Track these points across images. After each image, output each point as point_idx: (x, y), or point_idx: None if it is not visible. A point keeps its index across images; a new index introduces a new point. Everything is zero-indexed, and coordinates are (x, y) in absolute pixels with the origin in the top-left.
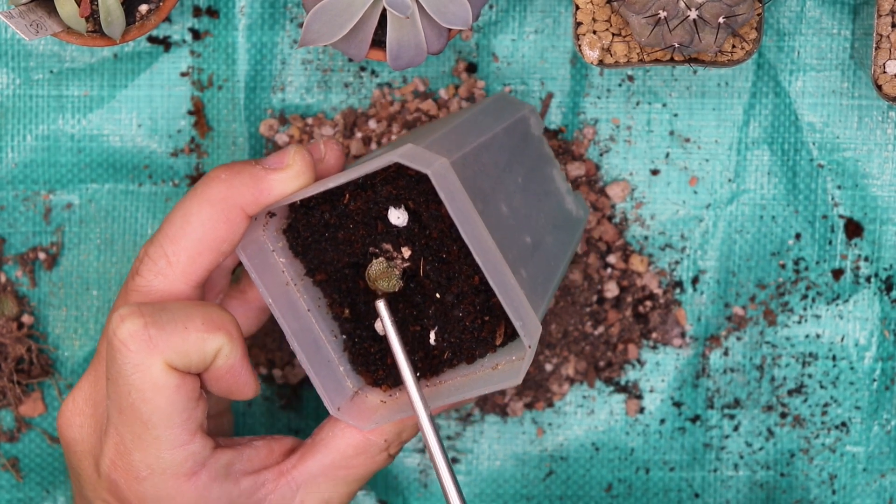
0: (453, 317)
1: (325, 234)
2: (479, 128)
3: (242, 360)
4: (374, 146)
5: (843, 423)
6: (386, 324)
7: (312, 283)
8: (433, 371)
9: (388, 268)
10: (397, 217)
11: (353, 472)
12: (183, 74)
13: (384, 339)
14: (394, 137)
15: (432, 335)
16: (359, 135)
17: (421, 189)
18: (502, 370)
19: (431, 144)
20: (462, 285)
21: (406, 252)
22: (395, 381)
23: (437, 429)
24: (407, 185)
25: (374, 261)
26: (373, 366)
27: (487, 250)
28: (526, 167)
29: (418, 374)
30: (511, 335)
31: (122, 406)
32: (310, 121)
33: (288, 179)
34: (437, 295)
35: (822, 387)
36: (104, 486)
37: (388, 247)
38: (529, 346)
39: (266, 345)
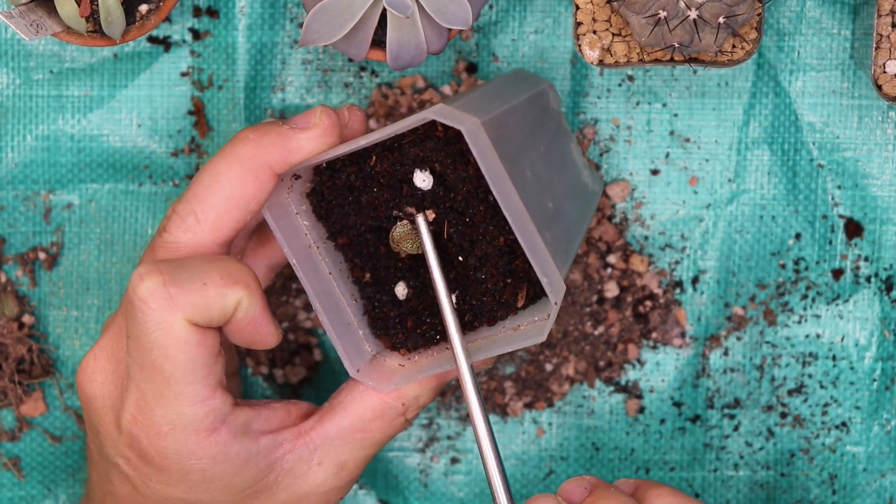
0: (475, 280)
1: (349, 198)
2: (503, 96)
3: (263, 311)
4: None
5: (844, 423)
6: (424, 239)
7: (334, 246)
8: None
9: (412, 230)
10: (423, 180)
11: (371, 435)
12: (183, 74)
13: (403, 304)
14: None
15: (453, 299)
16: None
17: (448, 151)
18: (524, 331)
19: (459, 107)
20: (486, 247)
21: (430, 215)
22: (414, 345)
23: (472, 367)
24: (434, 147)
25: (399, 223)
26: (392, 330)
27: (516, 208)
28: (547, 137)
29: (438, 337)
30: (532, 298)
31: (144, 363)
32: None
33: (315, 138)
34: (460, 258)
35: (822, 387)
36: (124, 442)
37: (411, 210)
38: (556, 303)
39: None
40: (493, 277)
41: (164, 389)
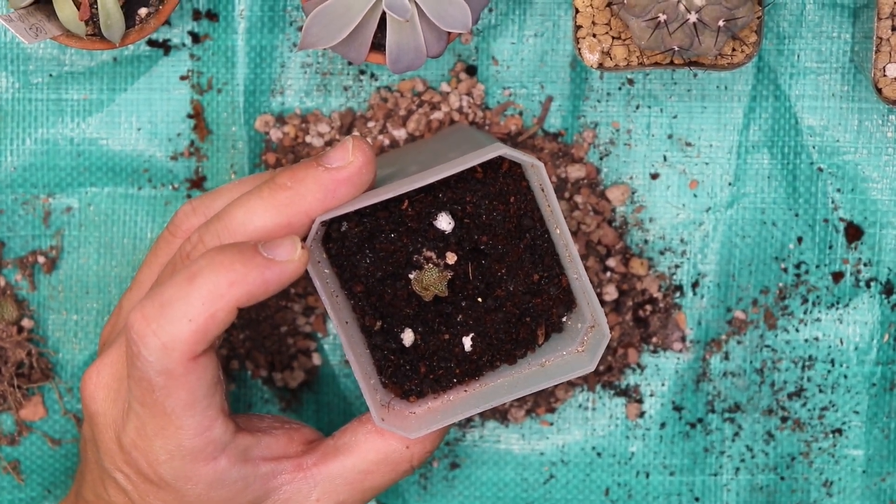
0: (491, 320)
1: (364, 245)
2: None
3: (264, 276)
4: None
5: (843, 427)
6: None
7: (349, 294)
8: (472, 375)
9: (441, 273)
10: (448, 222)
11: (373, 478)
12: (182, 78)
13: (410, 351)
14: (393, 132)
15: (467, 342)
16: (356, 134)
17: (485, 192)
18: (558, 365)
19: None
20: (517, 285)
21: (451, 258)
22: (425, 391)
23: None
24: (471, 188)
25: (427, 267)
26: (403, 377)
27: (571, 242)
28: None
29: (454, 380)
30: (548, 335)
31: (145, 400)
32: (306, 116)
33: (352, 183)
34: (479, 299)
35: (821, 390)
36: (123, 459)
37: (430, 254)
38: (606, 335)
39: (266, 347)
40: (514, 316)
41: (164, 424)
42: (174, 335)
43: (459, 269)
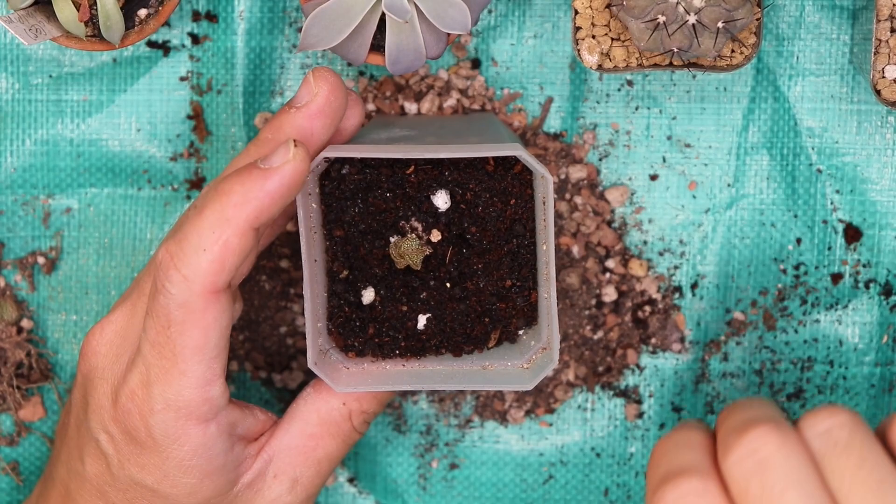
0: (452, 309)
1: (359, 194)
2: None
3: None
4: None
5: None
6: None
7: (327, 235)
8: (415, 353)
9: (420, 246)
10: (445, 201)
11: (323, 444)
12: (182, 79)
13: (366, 309)
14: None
15: (422, 319)
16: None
17: (489, 185)
18: (500, 373)
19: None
20: (488, 284)
21: (435, 236)
22: (365, 352)
23: None
24: (478, 177)
25: (409, 236)
26: (349, 332)
27: (553, 261)
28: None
29: (397, 352)
30: (500, 341)
31: (158, 339)
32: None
33: (323, 110)
34: (447, 284)
35: (820, 392)
36: (112, 416)
37: (416, 224)
38: (553, 360)
39: (265, 347)
40: (474, 312)
41: (170, 367)
42: (193, 267)
43: (439, 250)
